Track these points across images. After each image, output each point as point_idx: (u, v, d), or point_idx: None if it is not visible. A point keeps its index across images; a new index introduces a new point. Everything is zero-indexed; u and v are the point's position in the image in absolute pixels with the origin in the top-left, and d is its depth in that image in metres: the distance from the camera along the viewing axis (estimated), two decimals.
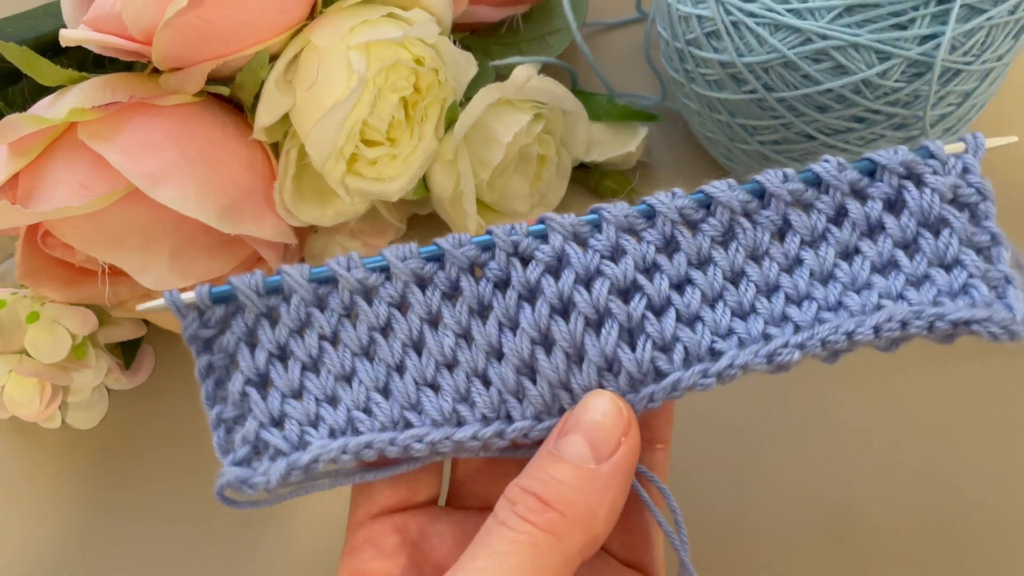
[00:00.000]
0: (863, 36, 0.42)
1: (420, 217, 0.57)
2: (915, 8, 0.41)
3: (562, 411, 0.36)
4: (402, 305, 0.37)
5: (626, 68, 0.60)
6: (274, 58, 0.47)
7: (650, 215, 0.36)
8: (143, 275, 0.46)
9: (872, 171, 0.36)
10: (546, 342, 0.36)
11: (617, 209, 0.36)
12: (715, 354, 0.36)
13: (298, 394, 0.38)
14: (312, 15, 0.48)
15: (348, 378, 0.38)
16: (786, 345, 0.35)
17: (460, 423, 0.37)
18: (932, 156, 0.36)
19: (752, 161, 0.50)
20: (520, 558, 0.30)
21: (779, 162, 0.49)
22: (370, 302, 0.38)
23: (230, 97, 0.49)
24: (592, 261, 0.35)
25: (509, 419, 0.37)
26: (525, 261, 0.36)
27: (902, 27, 0.42)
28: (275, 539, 0.52)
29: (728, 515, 0.47)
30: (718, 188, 0.36)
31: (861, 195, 0.36)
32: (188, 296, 0.37)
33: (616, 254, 0.36)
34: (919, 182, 0.36)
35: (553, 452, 0.33)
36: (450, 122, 0.50)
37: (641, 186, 0.57)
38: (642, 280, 0.36)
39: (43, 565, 0.52)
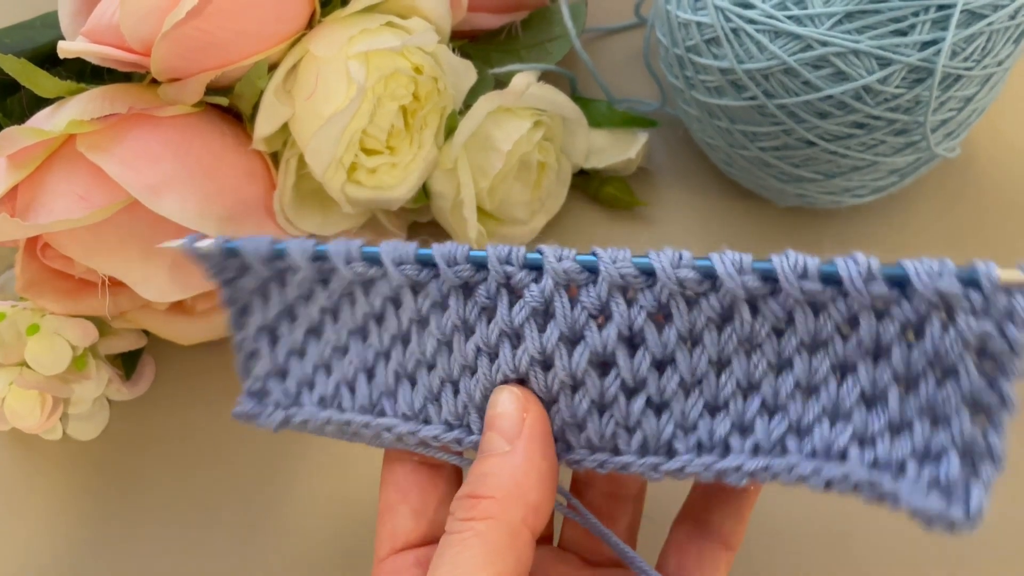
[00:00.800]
0: (863, 42, 0.42)
1: (421, 225, 0.57)
2: (915, 14, 0.41)
3: None
4: (396, 300, 0.38)
5: (625, 73, 0.60)
6: (273, 68, 0.47)
7: (650, 272, 0.33)
8: (144, 287, 0.46)
9: (903, 282, 0.31)
10: (521, 380, 0.36)
11: (616, 264, 0.33)
12: (671, 451, 0.35)
13: (301, 353, 0.41)
14: (311, 24, 0.48)
15: (343, 352, 0.40)
16: (737, 469, 0.33)
17: (426, 421, 0.38)
18: (977, 286, 0.30)
19: (753, 167, 0.50)
20: (470, 552, 0.32)
21: (780, 168, 0.49)
22: (367, 292, 0.38)
23: (229, 107, 0.49)
24: (579, 320, 0.34)
25: (469, 430, 0.37)
26: (515, 293, 0.35)
27: (902, 33, 0.42)
28: (278, 550, 0.52)
29: None
30: (727, 268, 0.32)
31: (880, 311, 0.32)
32: (207, 243, 0.39)
33: (604, 315, 0.34)
34: (949, 317, 0.30)
35: (479, 454, 0.35)
36: (450, 130, 0.50)
37: (642, 192, 0.57)
38: (621, 359, 0.34)
39: (47, 574, 0.52)
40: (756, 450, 0.34)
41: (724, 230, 0.56)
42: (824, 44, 0.42)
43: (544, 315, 0.35)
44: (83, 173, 0.44)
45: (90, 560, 0.52)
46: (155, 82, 0.47)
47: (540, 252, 0.34)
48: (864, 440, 0.32)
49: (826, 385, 0.33)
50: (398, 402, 0.39)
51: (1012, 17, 0.43)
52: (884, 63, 0.42)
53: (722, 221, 0.56)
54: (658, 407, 0.35)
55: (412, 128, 0.49)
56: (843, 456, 0.32)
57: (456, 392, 0.37)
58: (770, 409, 0.34)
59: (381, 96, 0.47)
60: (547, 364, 0.35)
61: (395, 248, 0.36)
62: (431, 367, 0.38)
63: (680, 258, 0.33)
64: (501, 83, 0.51)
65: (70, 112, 0.45)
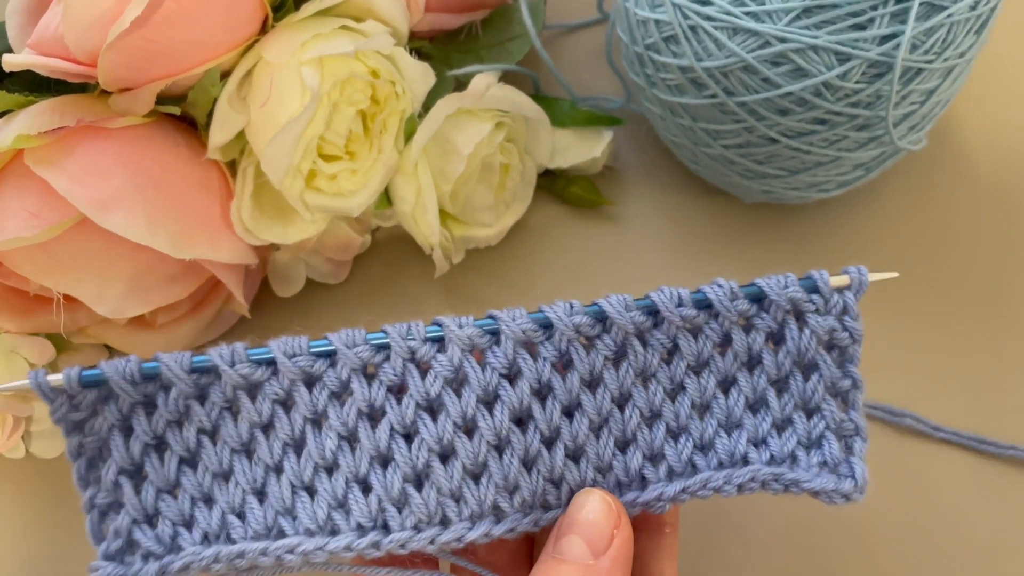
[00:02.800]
0: (822, 38, 0.41)
1: (385, 230, 0.56)
2: (874, 8, 0.41)
3: (444, 521, 0.35)
4: (287, 402, 0.36)
5: (589, 71, 0.59)
6: (226, 75, 0.46)
7: (547, 325, 0.36)
8: (99, 304, 0.45)
9: (760, 297, 0.37)
10: (443, 454, 0.35)
11: (515, 321, 0.35)
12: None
13: (173, 490, 0.37)
14: (264, 30, 0.47)
15: (225, 476, 0.37)
16: (659, 498, 0.37)
17: (334, 532, 0.35)
18: (817, 291, 0.37)
19: (717, 164, 0.50)
20: None
21: (744, 165, 0.48)
22: (253, 398, 0.36)
23: (183, 116, 0.48)
24: (491, 381, 0.35)
25: (386, 529, 0.35)
26: (422, 369, 0.35)
27: (861, 27, 0.41)
28: None
29: (720, 530, 0.46)
30: (614, 307, 0.36)
31: (747, 324, 0.37)
32: (56, 379, 0.34)
33: (512, 372, 0.36)
34: (802, 320, 0.37)
35: (554, 555, 0.35)
36: (410, 134, 0.50)
37: (609, 191, 0.56)
38: (536, 410, 0.36)
39: None
40: (671, 475, 0.37)
41: (691, 227, 0.56)
42: (782, 40, 0.41)
43: (456, 383, 0.36)
44: (33, 189, 0.43)
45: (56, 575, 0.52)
46: (106, 93, 0.46)
47: (439, 323, 0.36)
48: (757, 442, 0.38)
49: (716, 400, 0.38)
50: (298, 518, 0.36)
51: (973, 8, 0.43)
52: (843, 58, 0.42)
53: (689, 218, 0.56)
54: (575, 454, 0.37)
55: (371, 133, 0.48)
56: (745, 460, 0.37)
57: (367, 490, 0.36)
58: (675, 433, 0.38)
59: (337, 101, 0.46)
60: (470, 430, 0.36)
61: (285, 343, 0.36)
62: (332, 469, 0.36)
63: (572, 307, 0.36)
64: (462, 84, 0.51)
65: (18, 126, 0.44)
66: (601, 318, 0.36)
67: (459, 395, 0.35)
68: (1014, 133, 0.57)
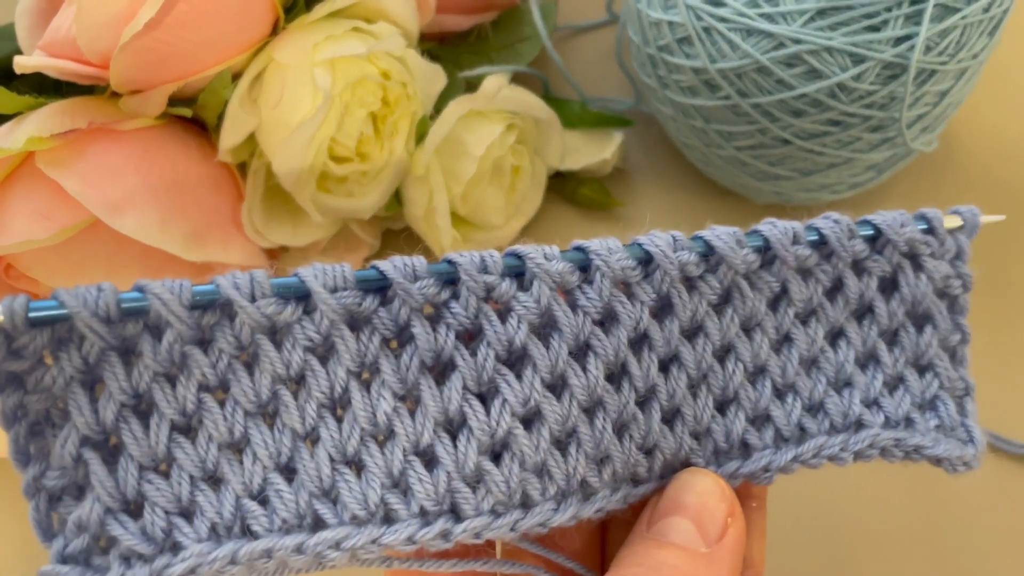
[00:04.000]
0: (836, 39, 0.41)
1: (394, 232, 0.56)
2: (888, 9, 0.41)
3: (525, 501, 0.29)
4: (321, 350, 0.28)
5: (599, 72, 0.59)
6: (237, 77, 0.46)
7: (646, 261, 0.29)
8: None
9: (875, 237, 0.32)
10: (530, 418, 0.29)
11: (612, 255, 0.29)
12: (689, 466, 0.31)
13: (164, 466, 0.27)
14: (275, 31, 0.47)
15: (238, 448, 0.27)
16: (767, 468, 0.32)
17: (389, 519, 0.27)
18: (932, 231, 0.33)
19: (729, 166, 0.50)
20: None
21: (756, 166, 0.48)
22: (279, 344, 0.27)
23: (194, 118, 0.48)
24: (584, 328, 0.29)
25: (456, 517, 0.28)
26: (502, 312, 0.28)
27: (875, 29, 0.41)
28: None
29: None
30: (725, 242, 0.30)
31: (859, 267, 0.33)
32: None
33: (607, 317, 0.29)
34: (917, 265, 0.33)
35: (654, 537, 0.29)
36: (420, 136, 0.49)
37: (619, 193, 0.56)
38: (631, 364, 0.30)
39: None
40: (777, 440, 0.32)
41: (701, 229, 0.56)
42: (797, 42, 0.41)
43: (542, 330, 0.29)
44: (44, 191, 0.43)
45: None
46: (116, 95, 0.46)
47: (519, 255, 0.28)
48: (869, 403, 0.33)
49: (824, 354, 0.33)
50: (342, 502, 0.27)
51: (986, 10, 0.42)
52: (858, 60, 0.41)
53: (700, 220, 0.55)
54: (669, 416, 0.31)
55: (382, 135, 0.48)
56: (860, 424, 0.32)
57: (431, 465, 0.28)
58: (780, 392, 0.32)
59: (349, 103, 0.46)
60: (558, 388, 0.29)
61: (324, 272, 0.27)
62: (386, 438, 0.28)
63: (675, 240, 0.30)
64: (472, 86, 0.50)
65: (29, 128, 0.44)
66: (706, 254, 0.30)
67: (547, 345, 0.28)
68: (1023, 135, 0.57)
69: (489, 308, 0.28)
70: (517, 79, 0.52)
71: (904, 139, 0.45)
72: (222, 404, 0.27)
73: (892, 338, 0.34)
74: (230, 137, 0.46)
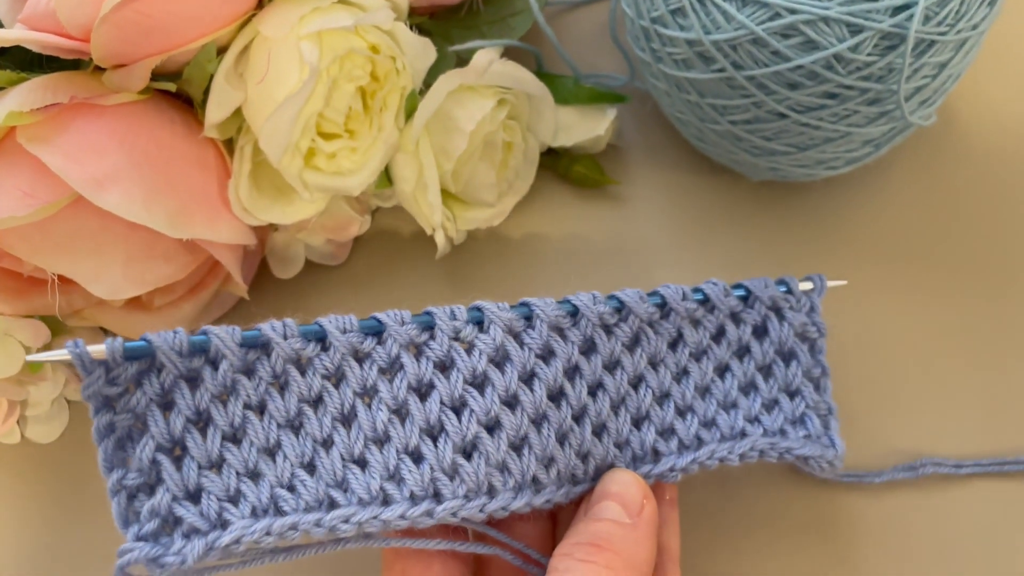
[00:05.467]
0: (833, 9, 0.40)
1: (385, 210, 0.55)
2: None
3: (490, 490, 0.37)
4: (333, 377, 0.38)
5: (592, 47, 0.58)
6: (223, 50, 0.45)
7: (574, 313, 0.39)
8: (95, 285, 0.44)
9: (746, 295, 0.43)
10: (489, 426, 0.38)
11: (547, 307, 0.39)
12: (617, 466, 0.41)
13: (217, 466, 0.37)
14: (261, 4, 0.46)
15: (272, 452, 0.37)
16: (672, 469, 0.41)
17: (387, 502, 0.36)
18: (790, 291, 0.43)
19: (724, 141, 0.49)
20: None
21: (751, 141, 0.47)
22: (303, 372, 0.37)
23: (179, 93, 0.47)
24: (529, 360, 0.38)
25: (438, 498, 0.37)
26: (464, 348, 0.38)
27: None
28: None
29: (717, 515, 0.46)
30: (631, 298, 0.40)
31: (736, 318, 0.43)
32: (98, 349, 0.34)
33: (546, 353, 0.39)
34: (780, 315, 0.43)
35: (591, 517, 0.38)
36: (410, 111, 0.49)
37: (613, 170, 0.55)
38: (567, 388, 0.39)
39: None
40: (680, 448, 0.41)
41: (697, 206, 0.55)
42: (792, 12, 0.41)
43: (499, 361, 0.38)
44: (26, 167, 0.42)
45: (52, 564, 0.51)
46: (100, 69, 0.45)
47: (479, 308, 0.38)
48: (751, 419, 0.43)
49: (714, 383, 0.43)
50: (350, 490, 0.37)
51: None
52: (855, 30, 0.41)
53: (695, 197, 0.55)
54: (598, 430, 0.40)
55: (371, 110, 0.47)
56: (743, 434, 0.42)
57: (418, 461, 0.37)
58: (682, 411, 0.42)
59: (336, 78, 0.45)
60: (512, 404, 0.38)
61: (336, 320, 0.37)
62: (383, 442, 0.37)
63: (595, 297, 0.40)
64: (463, 61, 0.50)
65: (10, 103, 0.43)
66: (619, 308, 0.40)
67: (502, 372, 0.38)
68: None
69: (458, 346, 0.38)
70: (509, 54, 0.51)
71: (902, 113, 0.44)
72: (260, 418, 0.37)
73: (767, 371, 0.44)
74: (216, 112, 0.45)
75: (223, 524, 0.36)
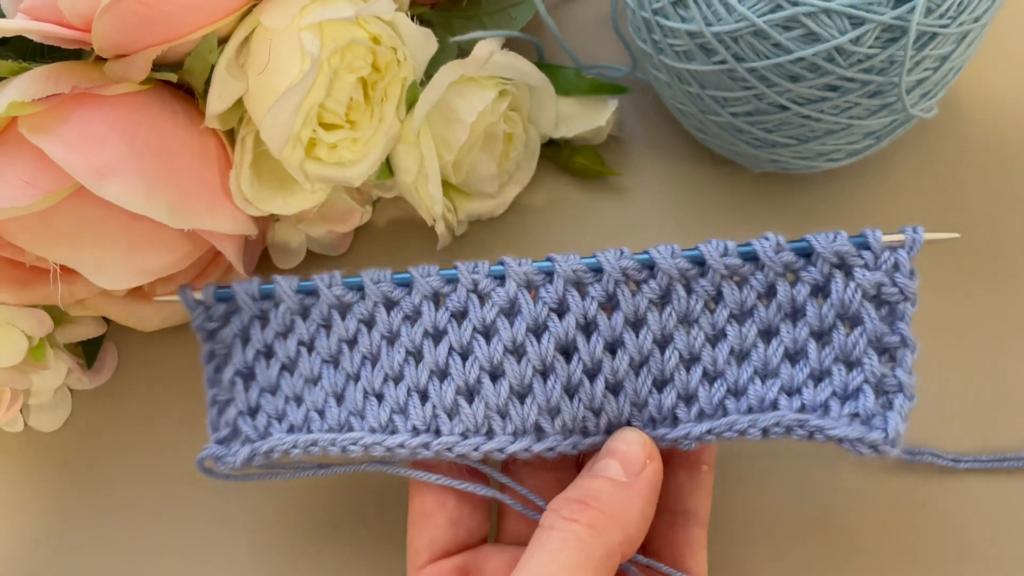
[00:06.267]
0: (835, 1, 0.40)
1: (386, 201, 0.56)
2: None
3: (489, 432, 0.40)
4: (370, 322, 0.42)
5: (594, 38, 0.58)
6: (224, 41, 0.45)
7: (597, 269, 0.40)
8: (97, 275, 0.44)
9: (809, 252, 0.38)
10: (493, 373, 0.40)
11: (567, 262, 0.40)
12: (633, 424, 0.41)
13: (274, 390, 0.44)
14: None
15: (315, 381, 0.43)
16: (687, 436, 0.40)
17: (393, 432, 0.41)
18: (868, 247, 0.38)
19: (725, 133, 0.49)
20: (568, 552, 0.35)
21: (752, 133, 0.47)
22: (343, 316, 0.43)
23: (180, 83, 0.47)
24: (541, 313, 0.40)
25: (438, 433, 0.41)
26: (482, 299, 0.41)
27: None
28: (248, 540, 0.51)
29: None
30: (661, 255, 0.39)
31: (793, 276, 0.39)
32: (197, 294, 0.44)
33: (562, 307, 0.40)
34: (848, 274, 0.38)
35: (593, 473, 0.39)
36: (411, 102, 0.49)
37: (614, 161, 0.55)
38: (580, 344, 0.40)
39: (11, 569, 0.51)
40: (701, 415, 0.40)
41: (698, 198, 0.55)
42: (794, 3, 0.40)
43: (510, 313, 0.40)
44: (28, 157, 0.42)
45: (55, 553, 0.51)
46: (101, 59, 0.45)
47: (502, 263, 0.40)
48: (791, 391, 0.39)
49: (756, 348, 0.40)
50: (366, 419, 0.42)
51: None
52: (856, 22, 0.40)
53: (696, 189, 0.55)
54: (614, 388, 0.40)
55: (372, 101, 0.47)
56: (775, 407, 0.39)
57: (424, 399, 0.41)
58: (710, 377, 0.40)
59: (338, 68, 0.45)
60: (519, 354, 0.40)
61: (373, 272, 0.42)
62: (398, 380, 0.42)
63: (621, 253, 0.39)
64: (464, 52, 0.49)
65: (12, 93, 0.43)
66: (649, 265, 0.39)
67: (512, 323, 0.40)
68: None
69: (475, 297, 0.41)
70: (510, 44, 0.51)
71: (904, 105, 0.44)
72: (310, 353, 0.44)
73: (824, 337, 0.39)
74: (217, 103, 0.45)
75: (267, 436, 0.43)
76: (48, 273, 0.46)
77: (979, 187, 0.54)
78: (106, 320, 0.53)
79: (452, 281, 0.41)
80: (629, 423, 0.40)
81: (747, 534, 0.49)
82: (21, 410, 0.51)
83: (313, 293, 0.43)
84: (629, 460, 0.39)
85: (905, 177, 0.54)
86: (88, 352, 0.53)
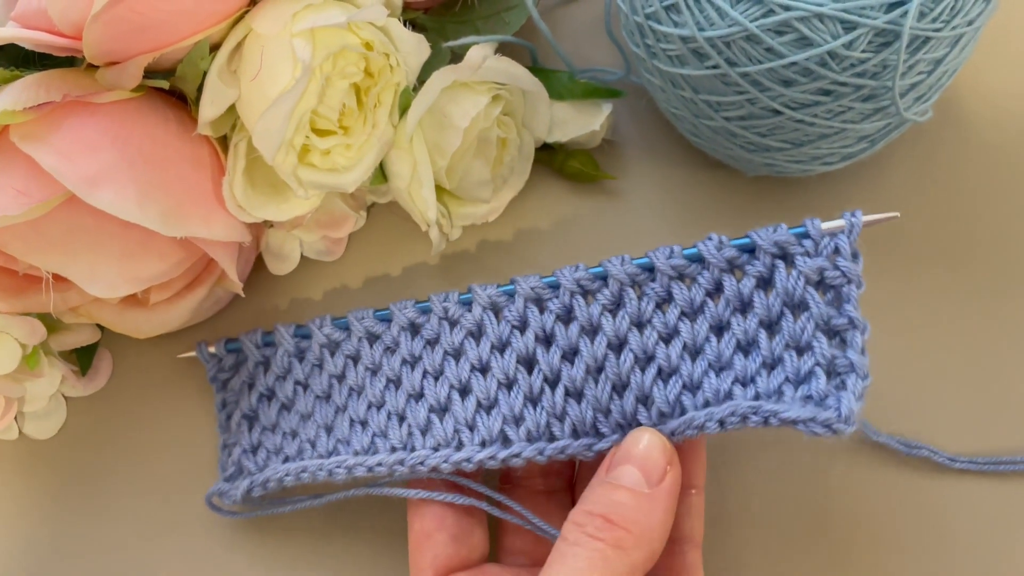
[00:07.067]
0: (827, 5, 0.40)
1: (381, 207, 0.55)
2: None
3: (459, 445, 0.43)
4: (356, 357, 0.46)
5: (588, 42, 0.58)
6: (216, 48, 0.45)
7: (555, 285, 0.42)
8: (89, 283, 0.44)
9: (752, 247, 0.39)
10: (463, 390, 0.43)
11: (527, 282, 0.42)
12: (599, 433, 0.41)
13: (274, 428, 0.48)
14: (254, 1, 0.45)
15: (309, 416, 0.47)
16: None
17: (374, 453, 0.44)
18: (808, 236, 0.39)
19: (719, 137, 0.49)
20: (594, 572, 0.35)
21: (746, 137, 0.47)
22: (333, 354, 0.47)
23: (172, 90, 0.47)
24: (504, 331, 0.43)
25: (413, 448, 0.43)
26: (453, 325, 0.44)
27: None
28: (244, 546, 0.51)
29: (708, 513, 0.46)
30: (612, 264, 0.41)
31: (738, 271, 0.40)
32: (211, 349, 0.50)
33: (523, 323, 0.42)
34: (790, 263, 0.39)
35: (610, 482, 0.38)
36: (404, 108, 0.48)
37: (609, 165, 0.55)
38: (539, 355, 0.42)
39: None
40: (660, 416, 0.40)
41: (692, 201, 0.55)
42: (786, 8, 0.40)
43: (477, 334, 0.43)
44: (20, 166, 0.42)
45: (50, 559, 0.51)
46: (93, 67, 0.45)
47: (470, 289, 0.44)
48: (746, 381, 0.39)
49: (708, 343, 0.40)
50: (351, 444, 0.45)
51: None
52: (849, 27, 0.40)
53: (690, 192, 0.55)
54: (575, 394, 0.41)
55: (365, 107, 0.47)
56: (730, 398, 0.39)
57: (402, 420, 0.44)
58: (666, 375, 0.41)
59: (330, 74, 0.45)
60: (484, 370, 0.43)
61: (356, 312, 0.46)
62: (380, 406, 0.45)
63: (577, 268, 0.42)
64: (457, 57, 0.49)
65: (3, 102, 0.43)
66: (602, 276, 0.41)
67: (478, 343, 0.43)
68: (1021, 105, 0.56)
69: (446, 324, 0.44)
70: (503, 49, 0.51)
71: (897, 109, 0.44)
72: (305, 392, 0.48)
73: (774, 326, 0.39)
74: (209, 110, 0.45)
75: (265, 469, 0.47)
76: (41, 281, 0.46)
77: (974, 189, 0.54)
78: (100, 327, 0.53)
79: (427, 311, 0.45)
80: (595, 427, 0.41)
81: (739, 530, 0.49)
82: (16, 418, 0.51)
83: (308, 337, 0.47)
84: (648, 467, 0.38)
85: (900, 180, 0.54)
86: (82, 359, 0.53)
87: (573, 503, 0.43)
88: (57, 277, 0.45)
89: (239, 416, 0.49)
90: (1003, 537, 0.48)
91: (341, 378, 0.47)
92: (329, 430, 0.46)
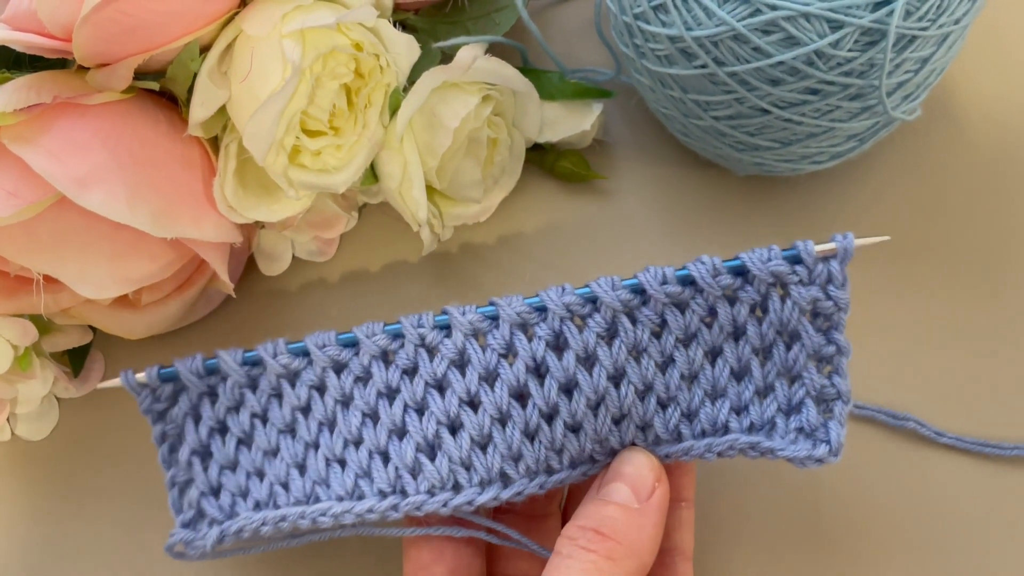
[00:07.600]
0: (813, 5, 0.40)
1: (372, 207, 0.56)
2: None
3: (456, 486, 0.40)
4: (320, 387, 0.41)
5: (578, 42, 0.58)
6: (206, 49, 0.45)
7: (541, 308, 0.39)
8: (80, 284, 0.44)
9: (744, 271, 0.38)
10: (452, 426, 0.40)
11: (511, 306, 0.39)
12: (594, 461, 0.41)
13: (233, 466, 0.43)
14: (243, 2, 0.46)
15: (274, 453, 0.42)
16: None
17: (360, 497, 0.40)
18: (801, 261, 0.38)
19: (708, 136, 0.49)
20: None
21: (735, 137, 0.47)
22: (293, 384, 0.41)
23: (163, 92, 0.47)
24: (491, 361, 0.39)
25: (404, 494, 0.40)
26: (431, 353, 0.40)
27: None
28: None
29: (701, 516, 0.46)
30: (602, 287, 0.39)
31: (732, 297, 0.39)
32: (141, 376, 0.42)
33: (511, 351, 0.39)
34: (785, 291, 0.39)
35: (601, 498, 0.39)
36: (395, 108, 0.49)
37: (599, 165, 0.55)
38: (534, 388, 0.39)
39: None
40: (657, 442, 0.40)
41: (683, 201, 0.55)
42: (773, 8, 0.41)
43: (461, 364, 0.40)
44: (10, 167, 0.42)
45: (43, 561, 0.51)
46: (83, 68, 0.45)
47: (445, 312, 0.40)
48: (740, 409, 0.40)
49: (703, 370, 0.40)
50: (332, 487, 0.41)
51: None
52: (836, 26, 0.41)
53: (681, 192, 0.55)
54: (574, 427, 0.40)
55: (355, 107, 0.47)
56: (726, 428, 0.40)
57: (386, 460, 0.40)
58: (664, 403, 0.40)
59: (320, 75, 0.45)
60: (474, 404, 0.40)
61: (316, 336, 0.41)
62: (359, 443, 0.41)
63: (563, 290, 0.39)
64: (448, 57, 0.50)
65: None
66: (591, 299, 0.39)
67: (463, 374, 0.39)
68: (1010, 102, 0.56)
69: (424, 351, 0.40)
70: (494, 50, 0.51)
71: (884, 108, 0.44)
72: (264, 425, 0.42)
73: (766, 353, 0.40)
74: (200, 111, 0.45)
75: (234, 515, 0.42)
76: (32, 283, 0.46)
77: (963, 187, 0.54)
78: (92, 328, 0.53)
79: (399, 336, 0.40)
80: (592, 458, 0.41)
81: (729, 541, 0.49)
82: (8, 419, 0.51)
83: (259, 363, 0.41)
84: (639, 484, 0.39)
85: (889, 179, 0.55)
86: (74, 361, 0.53)
87: (564, 524, 0.43)
88: (48, 278, 0.45)
89: (187, 451, 0.43)
90: (991, 521, 0.49)
91: (306, 410, 0.42)
92: (301, 469, 0.42)
